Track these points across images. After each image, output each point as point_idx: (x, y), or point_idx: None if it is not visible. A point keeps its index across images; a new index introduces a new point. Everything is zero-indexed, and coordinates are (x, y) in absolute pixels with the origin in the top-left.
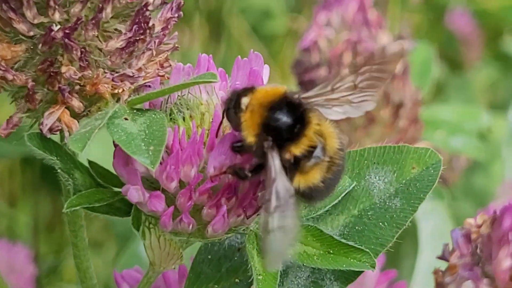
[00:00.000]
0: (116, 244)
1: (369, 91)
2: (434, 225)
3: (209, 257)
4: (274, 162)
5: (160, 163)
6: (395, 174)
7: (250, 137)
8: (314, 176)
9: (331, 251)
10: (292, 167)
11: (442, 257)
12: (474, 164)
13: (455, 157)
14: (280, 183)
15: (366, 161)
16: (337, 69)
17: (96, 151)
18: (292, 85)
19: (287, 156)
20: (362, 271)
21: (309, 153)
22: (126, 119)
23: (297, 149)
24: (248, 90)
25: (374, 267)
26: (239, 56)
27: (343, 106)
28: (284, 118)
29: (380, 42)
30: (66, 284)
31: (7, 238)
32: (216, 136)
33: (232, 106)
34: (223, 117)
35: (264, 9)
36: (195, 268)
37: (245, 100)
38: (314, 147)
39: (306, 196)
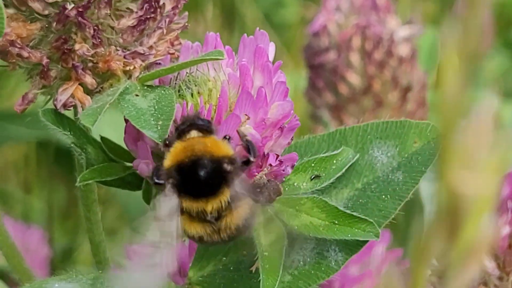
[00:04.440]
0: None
1: None
2: None
3: None
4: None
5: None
6: (398, 148)
7: (167, 162)
8: (195, 230)
9: (336, 222)
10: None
11: None
12: None
13: None
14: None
15: (369, 136)
16: (346, 53)
17: (107, 133)
18: (304, 72)
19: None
20: (366, 242)
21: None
22: (136, 95)
23: (191, 206)
24: (207, 130)
25: (378, 237)
26: (245, 34)
27: None
28: (199, 173)
29: (388, 26)
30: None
31: (22, 222)
32: (223, 112)
33: (179, 131)
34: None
35: None
36: None
37: (193, 134)
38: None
39: (192, 238)
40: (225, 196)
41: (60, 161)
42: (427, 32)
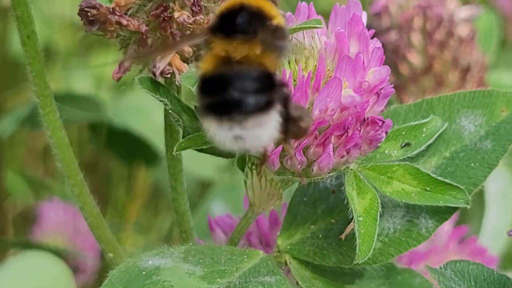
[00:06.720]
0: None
1: None
2: (500, 187)
3: (305, 199)
4: None
5: None
6: (485, 117)
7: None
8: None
9: (427, 189)
10: None
11: None
12: None
13: None
14: None
15: (456, 106)
16: (408, 33)
17: None
18: None
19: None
20: (456, 209)
21: None
22: None
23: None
24: None
25: (468, 204)
26: (337, 4)
27: None
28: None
29: (448, 7)
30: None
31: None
32: (321, 78)
33: None
34: None
35: None
36: (291, 210)
37: None
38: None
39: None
40: (256, 47)
41: (111, 143)
42: (482, 14)
